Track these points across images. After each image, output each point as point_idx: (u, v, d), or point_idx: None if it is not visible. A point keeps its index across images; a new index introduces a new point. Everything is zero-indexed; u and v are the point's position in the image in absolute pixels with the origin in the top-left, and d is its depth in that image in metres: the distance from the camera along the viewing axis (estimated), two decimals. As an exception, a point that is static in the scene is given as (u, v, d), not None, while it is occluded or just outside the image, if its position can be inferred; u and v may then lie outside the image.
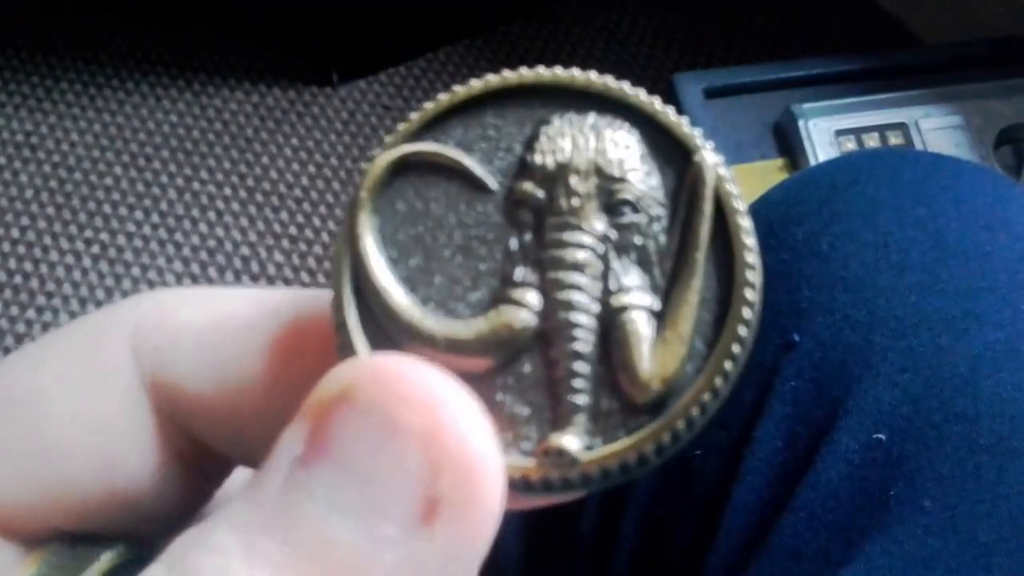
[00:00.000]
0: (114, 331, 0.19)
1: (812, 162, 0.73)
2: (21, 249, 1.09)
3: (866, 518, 0.31)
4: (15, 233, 1.11)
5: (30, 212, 1.13)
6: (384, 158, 0.17)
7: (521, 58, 1.29)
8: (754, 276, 0.16)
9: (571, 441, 0.16)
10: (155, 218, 1.12)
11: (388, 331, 0.17)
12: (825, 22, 1.31)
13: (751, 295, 0.16)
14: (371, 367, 0.14)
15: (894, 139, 0.74)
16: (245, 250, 1.10)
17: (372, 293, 0.17)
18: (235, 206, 1.13)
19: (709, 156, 0.17)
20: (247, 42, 1.28)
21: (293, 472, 0.14)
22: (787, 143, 0.76)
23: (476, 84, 0.18)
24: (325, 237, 1.11)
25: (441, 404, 0.14)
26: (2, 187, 1.14)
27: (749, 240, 0.17)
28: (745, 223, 0.17)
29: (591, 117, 0.17)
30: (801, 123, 0.75)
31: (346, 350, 0.17)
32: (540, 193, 0.17)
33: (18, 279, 1.07)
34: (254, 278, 1.08)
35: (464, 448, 0.14)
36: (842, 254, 0.35)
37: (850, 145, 0.74)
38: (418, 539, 0.14)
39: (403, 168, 0.18)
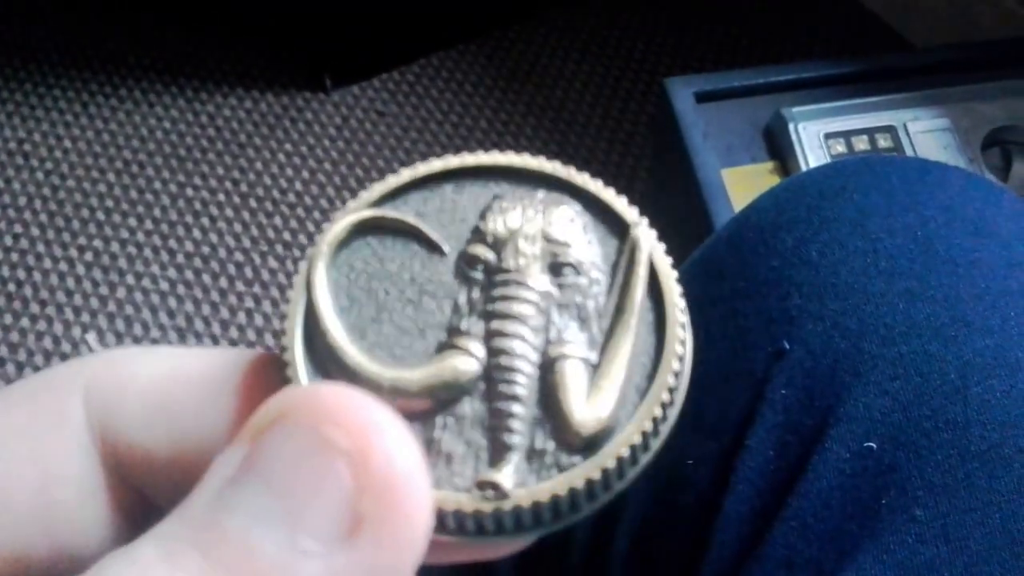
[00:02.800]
0: (67, 385, 0.19)
1: (802, 165, 0.73)
2: (14, 257, 1.09)
3: (858, 527, 0.31)
4: (8, 241, 1.11)
5: (23, 220, 1.12)
6: (347, 219, 0.19)
7: (514, 63, 1.29)
8: (684, 333, 0.18)
9: (505, 477, 0.17)
10: (148, 225, 1.12)
11: (334, 376, 0.18)
12: (814, 26, 1.32)
13: (680, 350, 0.18)
14: (309, 393, 0.15)
15: (883, 142, 0.74)
16: (239, 256, 1.10)
17: (320, 336, 0.18)
18: (228, 213, 1.13)
19: (644, 230, 0.19)
20: (240, 48, 1.28)
21: (222, 490, 0.14)
22: (777, 146, 0.76)
23: (437, 163, 0.20)
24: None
25: (371, 428, 0.15)
26: (-6, 195, 1.14)
27: (680, 302, 0.18)
28: (677, 287, 0.18)
29: (540, 194, 0.19)
30: (791, 126, 0.75)
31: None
32: (491, 255, 0.19)
33: (11, 287, 1.07)
34: (247, 284, 1.07)
35: (390, 470, 0.14)
36: (832, 261, 0.35)
37: (839, 148, 0.74)
38: (339, 554, 0.14)
39: (363, 230, 0.19)
